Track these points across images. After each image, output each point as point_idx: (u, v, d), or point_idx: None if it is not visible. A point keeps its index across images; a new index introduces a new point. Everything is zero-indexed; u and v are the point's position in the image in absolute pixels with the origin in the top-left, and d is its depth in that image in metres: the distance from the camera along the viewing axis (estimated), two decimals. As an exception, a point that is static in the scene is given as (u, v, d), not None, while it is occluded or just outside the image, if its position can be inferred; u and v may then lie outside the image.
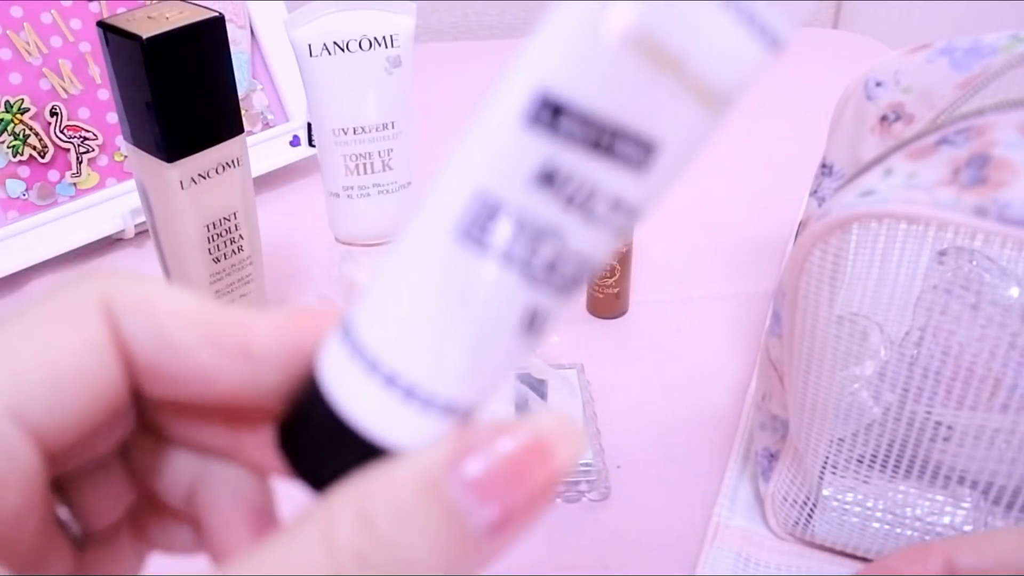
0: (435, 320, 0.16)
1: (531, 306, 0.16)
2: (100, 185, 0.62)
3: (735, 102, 0.15)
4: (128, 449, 0.20)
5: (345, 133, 0.53)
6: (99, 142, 0.62)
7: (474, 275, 0.15)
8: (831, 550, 0.39)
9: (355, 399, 0.16)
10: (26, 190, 0.59)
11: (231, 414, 0.19)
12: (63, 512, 0.19)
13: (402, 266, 0.16)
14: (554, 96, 0.14)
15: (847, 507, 0.37)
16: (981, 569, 0.21)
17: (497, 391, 0.17)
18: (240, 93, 0.66)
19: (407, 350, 0.16)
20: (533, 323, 0.16)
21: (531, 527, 0.15)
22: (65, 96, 0.60)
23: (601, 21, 0.14)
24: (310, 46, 0.51)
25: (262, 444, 0.19)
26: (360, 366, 0.16)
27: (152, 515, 0.21)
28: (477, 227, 0.15)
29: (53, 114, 0.60)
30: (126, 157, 0.60)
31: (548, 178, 0.15)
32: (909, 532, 0.36)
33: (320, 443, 0.17)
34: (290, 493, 0.18)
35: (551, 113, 0.14)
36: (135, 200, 0.58)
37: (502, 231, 0.15)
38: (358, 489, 0.16)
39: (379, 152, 0.54)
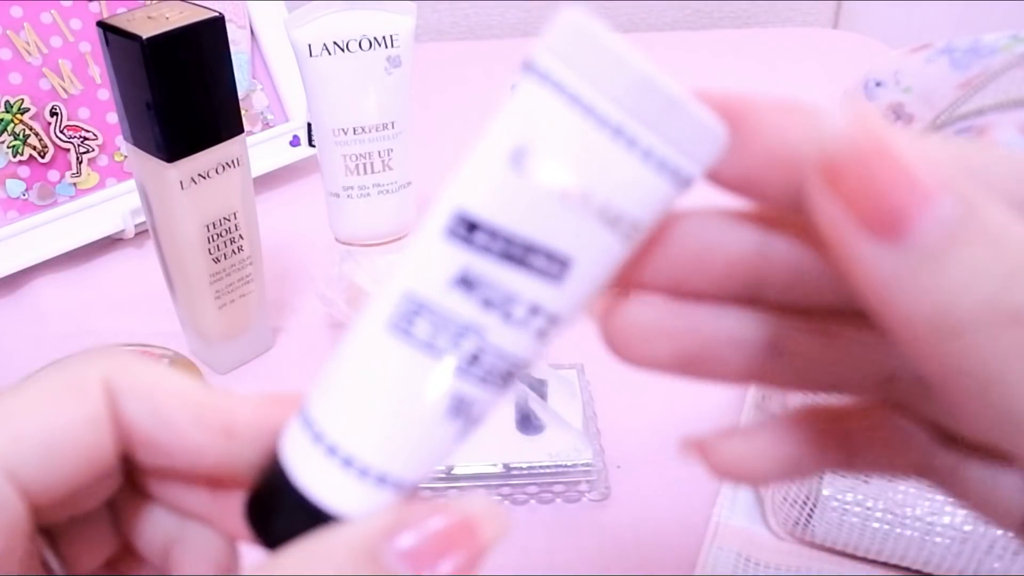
0: (370, 400, 0.18)
1: (457, 394, 0.18)
2: (100, 185, 0.62)
3: (646, 228, 0.18)
4: (115, 504, 0.22)
5: (345, 133, 0.53)
6: (99, 142, 0.62)
7: (402, 363, 0.18)
8: (831, 550, 0.39)
9: (303, 467, 0.18)
10: (26, 190, 0.59)
11: (212, 483, 0.21)
12: (49, 556, 0.21)
13: (346, 352, 0.18)
14: (468, 214, 0.17)
15: (847, 507, 0.37)
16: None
17: (435, 469, 0.18)
18: (240, 93, 0.66)
19: (345, 425, 0.18)
20: (460, 409, 0.18)
21: None
22: (65, 96, 0.61)
23: (513, 157, 0.17)
24: (310, 46, 0.51)
25: (236, 512, 0.21)
26: (308, 437, 0.18)
27: (130, 563, 0.23)
28: (405, 321, 0.17)
29: (53, 114, 0.60)
30: (126, 157, 0.60)
31: (464, 282, 0.17)
32: (909, 532, 0.36)
33: (274, 506, 0.19)
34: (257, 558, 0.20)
35: (466, 228, 0.17)
36: (135, 200, 0.58)
37: (424, 325, 0.17)
38: (301, 551, 0.17)
39: (379, 152, 0.54)
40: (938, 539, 0.35)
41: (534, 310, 0.17)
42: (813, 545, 0.40)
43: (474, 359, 0.17)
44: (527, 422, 0.44)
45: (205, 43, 0.42)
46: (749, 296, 0.19)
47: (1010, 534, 0.27)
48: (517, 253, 0.17)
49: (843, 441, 0.20)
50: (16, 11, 0.58)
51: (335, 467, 0.18)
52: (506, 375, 0.18)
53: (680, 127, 0.17)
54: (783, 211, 0.17)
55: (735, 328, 0.19)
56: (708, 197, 0.18)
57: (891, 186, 0.14)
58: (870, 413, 0.20)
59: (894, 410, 0.19)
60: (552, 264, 0.17)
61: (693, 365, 0.19)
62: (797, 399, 0.36)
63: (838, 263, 0.15)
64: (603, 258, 0.17)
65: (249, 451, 0.20)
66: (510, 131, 0.17)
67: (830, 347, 0.19)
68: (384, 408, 0.18)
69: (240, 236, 0.48)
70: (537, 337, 0.18)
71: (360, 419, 0.18)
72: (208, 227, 0.46)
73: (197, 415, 0.20)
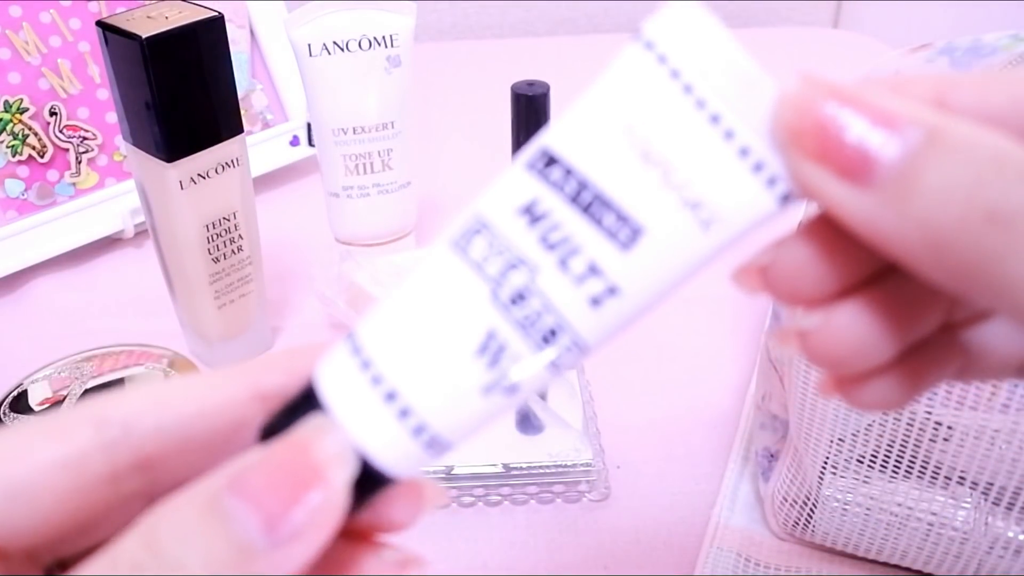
0: (408, 316, 0.18)
1: (492, 330, 0.17)
2: (99, 185, 0.62)
3: (731, 230, 0.17)
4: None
5: (345, 133, 0.53)
6: (98, 142, 0.62)
7: (449, 279, 0.18)
8: (831, 550, 0.39)
9: (328, 371, 0.18)
10: (25, 190, 0.59)
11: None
12: None
13: (411, 272, 0.18)
14: (549, 149, 0.17)
15: (847, 507, 0.37)
16: (983, 112, 0.17)
17: (465, 423, 0.18)
18: (240, 93, 0.66)
19: (377, 336, 0.18)
20: (488, 347, 0.17)
21: (317, 542, 0.16)
22: (64, 96, 0.60)
23: (602, 108, 0.17)
24: (310, 46, 0.51)
25: None
26: (344, 345, 0.18)
27: None
28: (464, 239, 0.18)
29: (52, 114, 0.60)
30: (125, 157, 0.60)
31: (530, 212, 0.17)
32: (909, 532, 0.36)
33: (291, 412, 0.18)
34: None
35: (545, 161, 0.17)
36: (134, 200, 0.58)
37: (480, 244, 0.17)
38: (150, 512, 0.16)
39: (379, 152, 0.54)
40: (939, 539, 0.35)
41: (593, 269, 0.17)
42: (813, 545, 0.40)
43: (519, 297, 0.17)
44: (527, 422, 0.44)
45: (204, 43, 0.42)
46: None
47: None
48: (588, 200, 0.17)
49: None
50: (15, 10, 0.58)
51: (356, 370, 0.18)
52: (548, 335, 0.17)
53: None
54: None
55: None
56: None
57: (851, 129, 0.15)
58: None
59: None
60: (622, 226, 0.17)
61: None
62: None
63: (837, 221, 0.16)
64: (677, 242, 0.17)
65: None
66: (608, 87, 0.17)
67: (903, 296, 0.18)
68: (419, 325, 0.18)
69: (240, 236, 0.48)
70: (591, 305, 0.17)
71: (391, 333, 0.18)
72: (208, 227, 0.46)
73: (220, 401, 0.19)
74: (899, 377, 0.19)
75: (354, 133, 0.53)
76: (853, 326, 0.18)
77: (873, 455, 0.36)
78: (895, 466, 0.36)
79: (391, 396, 0.17)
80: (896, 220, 0.15)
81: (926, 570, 0.37)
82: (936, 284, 0.16)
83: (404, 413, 0.17)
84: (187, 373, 0.20)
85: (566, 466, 0.42)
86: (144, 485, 0.20)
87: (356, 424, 0.17)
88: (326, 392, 0.18)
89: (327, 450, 0.17)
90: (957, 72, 0.18)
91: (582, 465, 0.42)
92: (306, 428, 0.17)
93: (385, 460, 0.18)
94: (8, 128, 0.58)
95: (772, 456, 0.41)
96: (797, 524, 0.39)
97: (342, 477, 0.17)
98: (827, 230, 0.17)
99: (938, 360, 0.20)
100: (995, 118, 0.17)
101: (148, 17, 0.41)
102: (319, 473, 0.17)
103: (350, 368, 0.18)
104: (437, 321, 0.18)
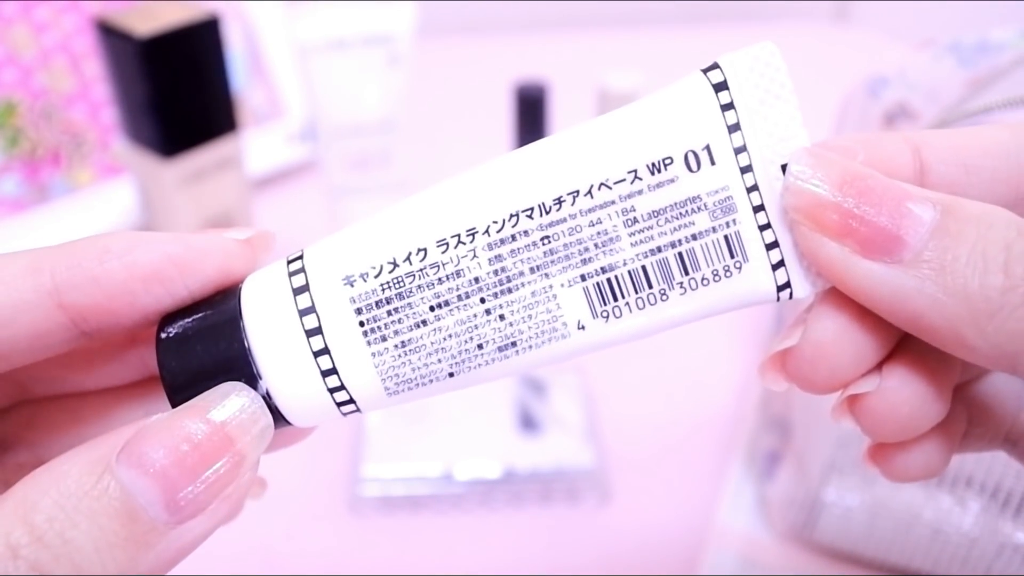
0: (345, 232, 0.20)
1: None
2: (95, 183, 0.62)
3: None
4: None
5: (345, 130, 0.53)
6: (93, 140, 0.61)
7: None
8: (835, 553, 0.39)
9: (256, 295, 0.18)
10: (20, 188, 0.59)
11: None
12: None
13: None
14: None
15: (851, 510, 0.37)
16: (958, 161, 0.18)
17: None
18: (238, 91, 0.65)
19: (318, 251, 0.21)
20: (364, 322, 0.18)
21: (220, 518, 0.15)
22: (60, 94, 0.60)
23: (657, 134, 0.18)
24: (310, 43, 0.50)
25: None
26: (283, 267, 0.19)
27: None
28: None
29: (47, 112, 0.59)
30: (121, 155, 0.59)
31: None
32: (915, 536, 0.35)
33: (202, 337, 0.18)
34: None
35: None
36: (131, 198, 0.58)
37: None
38: (27, 481, 0.15)
39: (379, 149, 0.54)
40: (945, 543, 0.35)
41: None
42: (817, 548, 0.39)
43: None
44: (528, 424, 0.44)
45: (201, 42, 0.42)
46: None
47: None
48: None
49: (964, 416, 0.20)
50: (10, 8, 0.58)
51: (287, 287, 0.18)
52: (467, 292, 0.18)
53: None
54: None
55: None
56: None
57: (877, 207, 0.16)
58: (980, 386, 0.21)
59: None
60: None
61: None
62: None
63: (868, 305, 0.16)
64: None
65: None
66: (659, 105, 0.18)
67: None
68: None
69: (237, 235, 0.47)
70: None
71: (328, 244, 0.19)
72: (206, 224, 0.46)
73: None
74: (937, 440, 0.19)
75: (354, 130, 0.53)
76: (908, 385, 0.17)
77: (879, 458, 0.35)
78: (901, 469, 0.35)
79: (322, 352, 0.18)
80: (935, 294, 0.15)
81: (932, 574, 0.37)
82: (974, 355, 0.15)
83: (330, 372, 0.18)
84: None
85: (567, 469, 0.42)
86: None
87: (276, 372, 0.17)
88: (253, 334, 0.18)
89: (248, 434, 0.16)
90: (926, 130, 0.19)
91: (583, 468, 0.42)
92: (224, 402, 0.16)
93: (293, 413, 0.18)
94: (3, 126, 0.58)
95: (775, 457, 0.41)
96: (800, 526, 0.38)
97: (259, 455, 0.16)
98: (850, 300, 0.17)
99: (957, 421, 0.20)
100: (969, 166, 0.17)
101: (145, 16, 0.41)
102: (242, 460, 0.16)
103: (286, 312, 0.18)
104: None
